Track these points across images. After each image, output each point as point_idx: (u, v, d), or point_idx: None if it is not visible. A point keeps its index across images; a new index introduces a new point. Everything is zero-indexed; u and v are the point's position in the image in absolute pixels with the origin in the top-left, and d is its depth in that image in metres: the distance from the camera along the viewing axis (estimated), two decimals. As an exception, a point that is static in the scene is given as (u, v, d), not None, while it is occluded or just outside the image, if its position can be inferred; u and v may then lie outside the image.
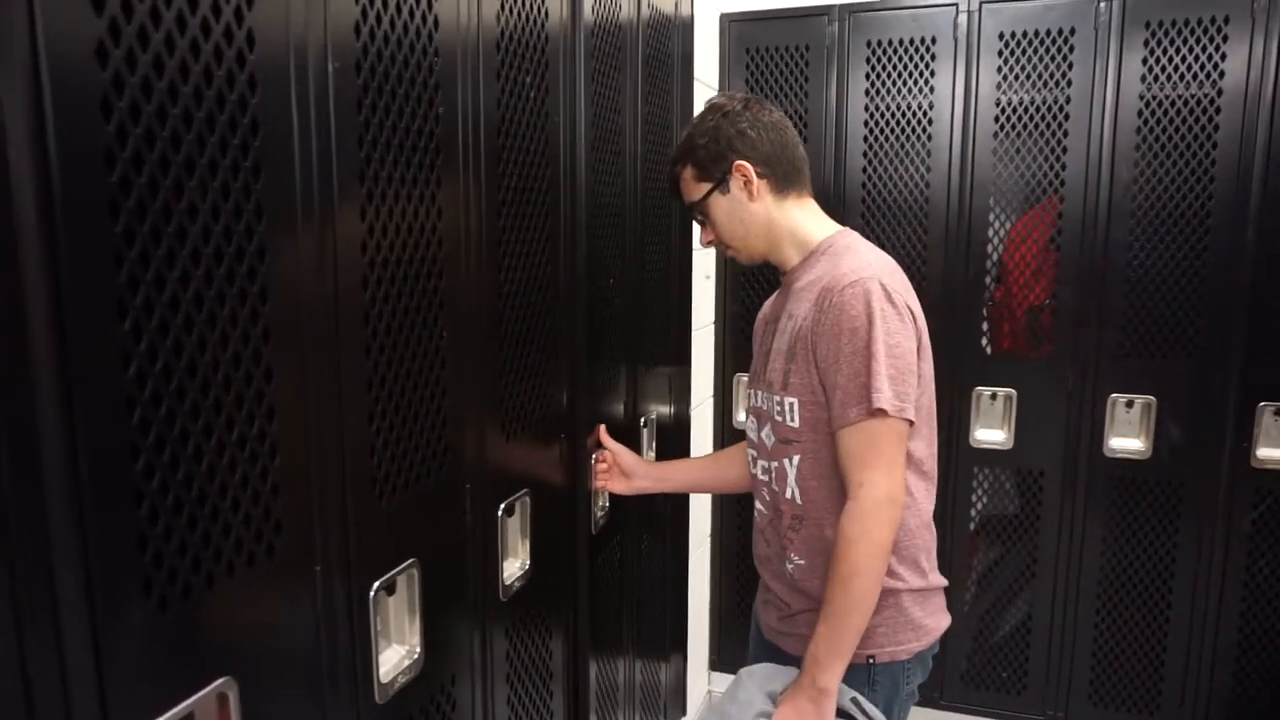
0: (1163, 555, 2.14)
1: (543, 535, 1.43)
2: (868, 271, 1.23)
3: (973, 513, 2.30)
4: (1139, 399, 2.10)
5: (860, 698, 1.27)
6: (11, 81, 0.58)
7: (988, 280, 2.22)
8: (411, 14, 1.01)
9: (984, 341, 2.23)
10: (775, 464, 1.36)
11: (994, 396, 2.21)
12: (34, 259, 0.60)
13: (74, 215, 0.62)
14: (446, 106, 1.09)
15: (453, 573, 1.19)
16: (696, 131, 1.39)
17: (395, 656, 1.08)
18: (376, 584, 1.01)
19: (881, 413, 1.20)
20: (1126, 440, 2.13)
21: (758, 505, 1.46)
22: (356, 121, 0.92)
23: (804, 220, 1.37)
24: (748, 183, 1.34)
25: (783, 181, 1.36)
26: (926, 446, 1.32)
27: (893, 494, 1.21)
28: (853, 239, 1.36)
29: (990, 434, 2.22)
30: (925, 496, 1.33)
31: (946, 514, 2.28)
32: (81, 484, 0.64)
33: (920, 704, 2.37)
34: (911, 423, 1.24)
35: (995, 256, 2.21)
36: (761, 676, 1.34)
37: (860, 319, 1.21)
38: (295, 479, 0.87)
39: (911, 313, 1.26)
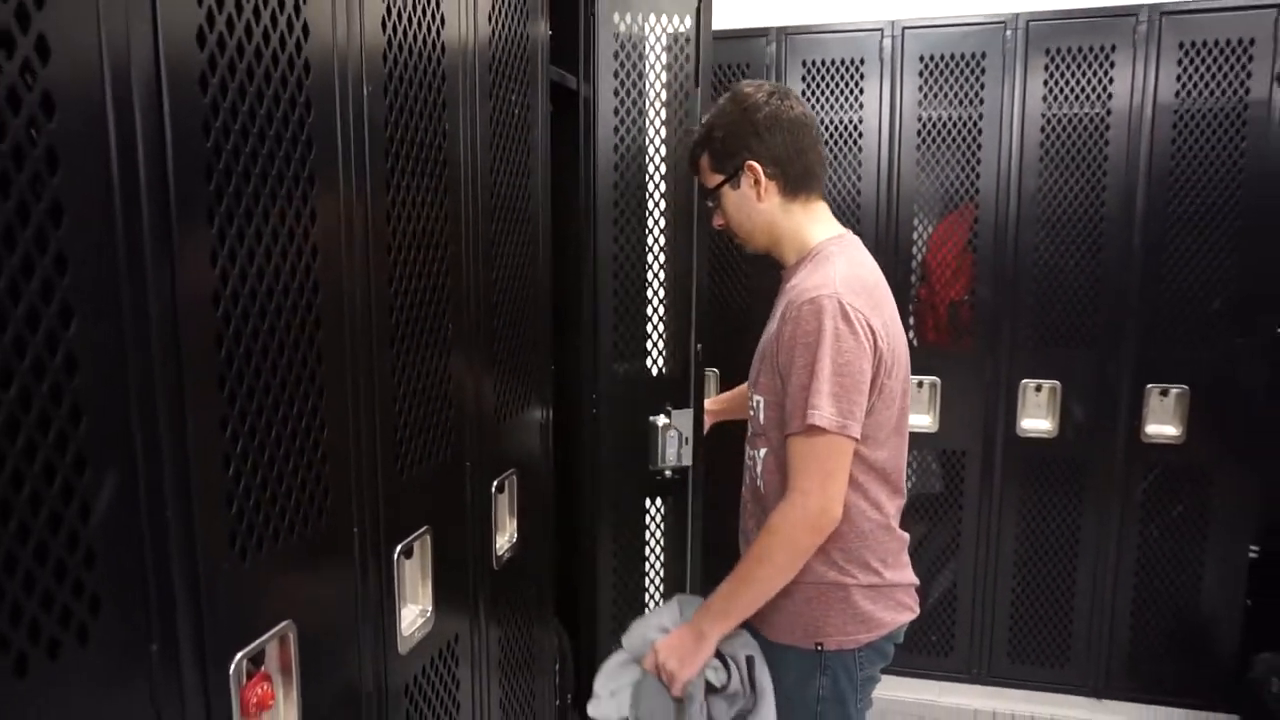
0: (1069, 523, 2.40)
1: (529, 511, 1.57)
2: (829, 289, 1.27)
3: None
4: (1046, 384, 2.35)
5: (757, 658, 1.37)
6: (143, 102, 0.70)
7: (913, 279, 2.44)
8: (424, 40, 1.14)
9: (911, 335, 2.45)
10: (751, 452, 1.47)
11: (920, 384, 2.43)
12: (151, 256, 0.72)
13: (184, 218, 0.74)
14: (450, 124, 1.23)
15: (456, 541, 1.32)
16: (716, 121, 1.45)
17: (411, 615, 1.20)
18: (399, 547, 1.13)
19: (817, 429, 1.25)
20: (1036, 421, 2.38)
21: (743, 484, 1.54)
22: (383, 137, 1.05)
23: (807, 224, 1.42)
24: (756, 182, 1.40)
25: (793, 184, 1.40)
26: (892, 458, 1.37)
27: (825, 507, 1.27)
28: (839, 247, 1.39)
29: (918, 419, 2.44)
30: (888, 501, 1.38)
31: (880, 493, 2.49)
32: (188, 450, 0.76)
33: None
34: (856, 438, 1.27)
35: (919, 258, 2.43)
36: (687, 603, 1.47)
37: (813, 335, 1.26)
38: (339, 450, 0.99)
39: (872, 331, 1.28)
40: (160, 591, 0.74)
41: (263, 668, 0.90)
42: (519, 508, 1.54)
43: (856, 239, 1.45)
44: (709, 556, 2.02)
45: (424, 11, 1.14)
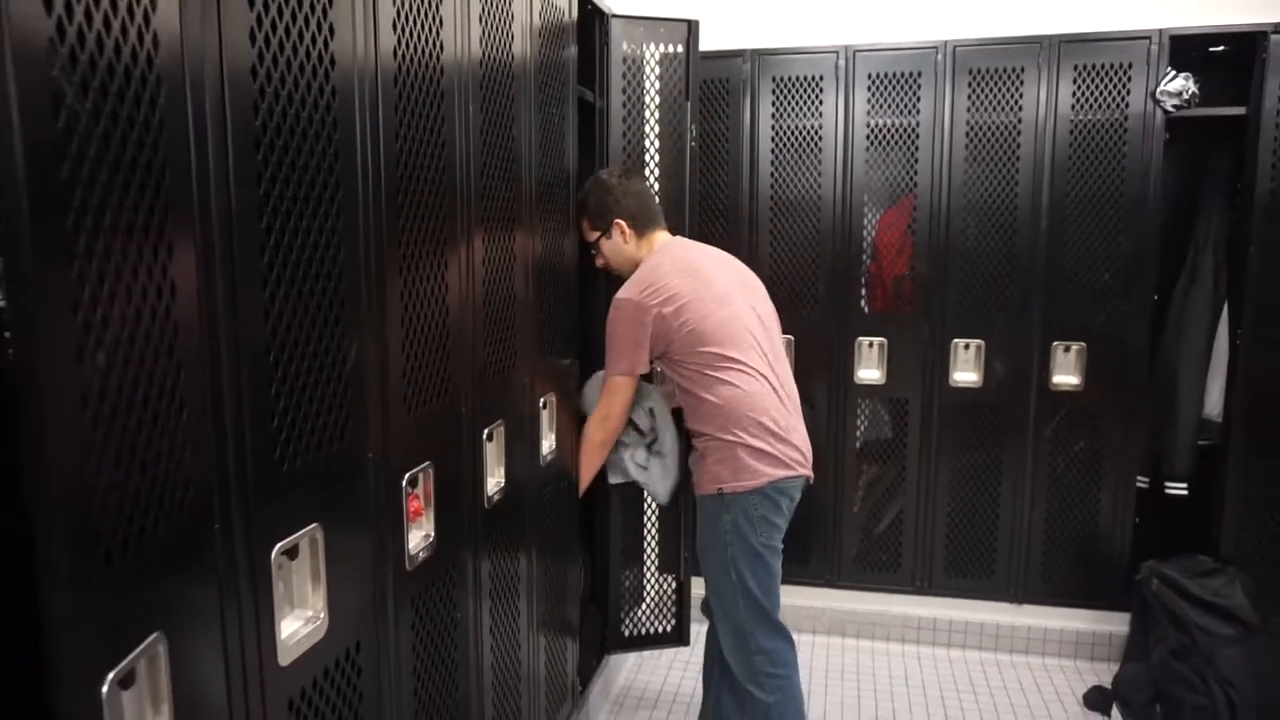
0: (992, 459, 2.90)
1: (563, 426, 2.05)
2: (622, 294, 2.02)
3: (858, 433, 3.01)
4: (973, 342, 2.85)
5: (657, 408, 2.23)
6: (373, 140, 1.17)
7: (864, 258, 2.93)
8: (502, 64, 1.61)
9: (863, 303, 2.95)
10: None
11: (871, 344, 2.93)
12: (376, 290, 1.19)
13: (390, 268, 1.21)
14: (516, 130, 1.70)
15: (517, 437, 1.79)
16: (590, 196, 2.15)
17: (492, 482, 1.66)
18: (485, 430, 1.61)
19: (609, 374, 2.05)
20: (965, 374, 2.87)
21: None
22: (480, 145, 1.52)
23: (645, 247, 2.14)
24: (622, 232, 2.12)
25: (642, 228, 2.14)
26: (742, 355, 1.97)
27: (606, 414, 2.10)
28: (645, 262, 2.09)
29: (869, 373, 2.94)
30: (747, 385, 1.96)
31: (837, 438, 2.99)
32: (389, 351, 1.23)
33: (820, 584, 3.08)
34: (641, 375, 2.05)
35: (869, 240, 2.93)
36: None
37: (611, 321, 2.04)
38: (459, 360, 1.46)
39: (641, 306, 1.98)
40: (377, 419, 1.21)
41: (416, 490, 1.37)
42: (556, 423, 2.02)
43: (667, 242, 2.15)
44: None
45: (503, 45, 1.62)
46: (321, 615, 1.11)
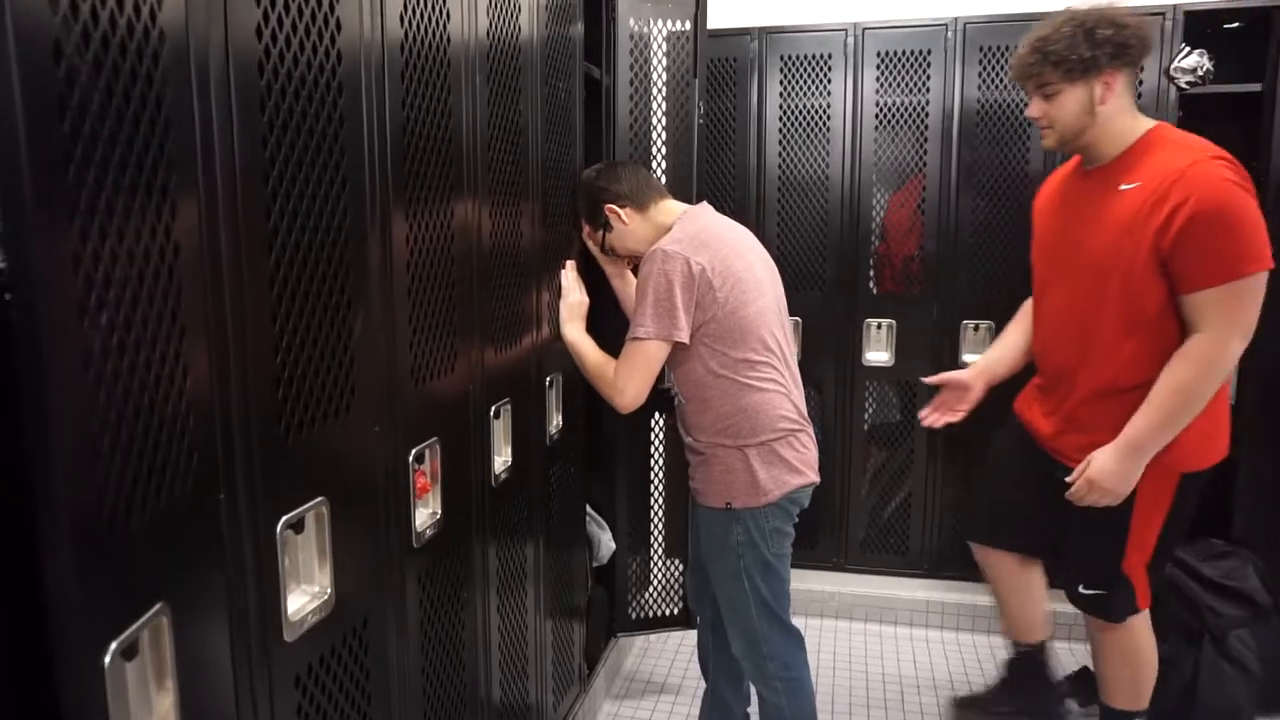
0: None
1: (568, 406, 2.02)
2: (666, 245, 1.77)
3: (866, 415, 2.99)
4: (982, 323, 2.82)
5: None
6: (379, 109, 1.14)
7: (873, 238, 2.90)
8: (509, 40, 1.58)
9: (871, 284, 2.92)
10: (671, 375, 1.96)
11: (879, 326, 2.90)
12: (379, 237, 1.16)
13: (395, 210, 1.19)
14: (523, 105, 1.67)
15: (523, 417, 1.77)
16: (579, 198, 2.01)
17: (498, 463, 1.65)
18: (493, 408, 1.58)
19: (635, 339, 1.77)
20: (974, 355, 2.84)
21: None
22: (486, 118, 1.49)
23: (662, 215, 1.92)
24: (617, 215, 1.92)
25: (641, 201, 1.92)
26: (767, 356, 1.82)
27: (622, 386, 1.79)
28: (685, 220, 1.87)
29: (877, 355, 2.91)
30: (770, 388, 1.82)
31: (845, 421, 2.96)
32: (397, 325, 1.21)
33: (827, 568, 3.07)
34: (676, 342, 1.76)
35: (878, 220, 2.90)
36: None
37: (646, 274, 1.77)
38: (465, 330, 1.44)
39: (688, 263, 1.74)
40: (382, 393, 1.19)
41: (423, 466, 1.35)
42: (562, 403, 2.00)
43: (702, 207, 1.94)
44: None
45: (510, 19, 1.59)
46: (328, 591, 1.09)
